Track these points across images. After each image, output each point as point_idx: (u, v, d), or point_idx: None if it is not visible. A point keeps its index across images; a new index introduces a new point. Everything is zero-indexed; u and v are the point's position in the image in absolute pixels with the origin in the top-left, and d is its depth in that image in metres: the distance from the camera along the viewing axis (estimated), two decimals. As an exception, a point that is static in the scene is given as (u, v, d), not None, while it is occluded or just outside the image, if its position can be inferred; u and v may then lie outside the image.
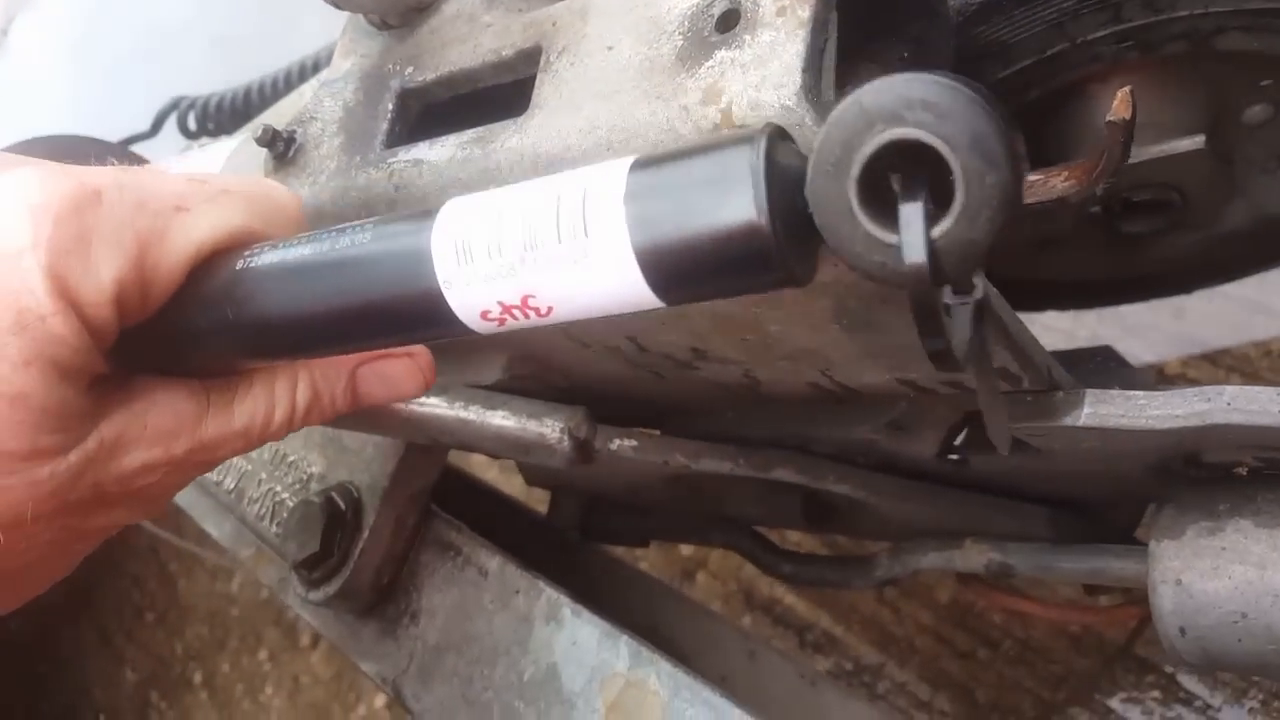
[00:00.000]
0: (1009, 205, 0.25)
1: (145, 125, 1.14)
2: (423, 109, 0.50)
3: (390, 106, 0.49)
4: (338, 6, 0.52)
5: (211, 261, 0.36)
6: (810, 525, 0.66)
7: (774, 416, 0.56)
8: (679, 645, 0.67)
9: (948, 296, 0.30)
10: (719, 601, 1.17)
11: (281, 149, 0.52)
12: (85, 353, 0.33)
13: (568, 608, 0.51)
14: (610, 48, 0.43)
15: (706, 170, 0.28)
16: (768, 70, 0.38)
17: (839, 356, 0.47)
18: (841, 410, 0.54)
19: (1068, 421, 0.48)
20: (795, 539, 0.92)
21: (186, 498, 0.71)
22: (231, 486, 0.65)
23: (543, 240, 0.30)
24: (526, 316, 0.32)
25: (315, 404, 0.41)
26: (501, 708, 0.51)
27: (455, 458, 0.66)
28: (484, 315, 0.32)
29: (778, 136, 0.29)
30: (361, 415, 0.49)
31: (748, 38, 0.39)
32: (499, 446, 0.53)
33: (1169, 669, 0.94)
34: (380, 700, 1.36)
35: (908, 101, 0.26)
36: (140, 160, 0.95)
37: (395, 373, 0.43)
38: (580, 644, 0.50)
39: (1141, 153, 0.58)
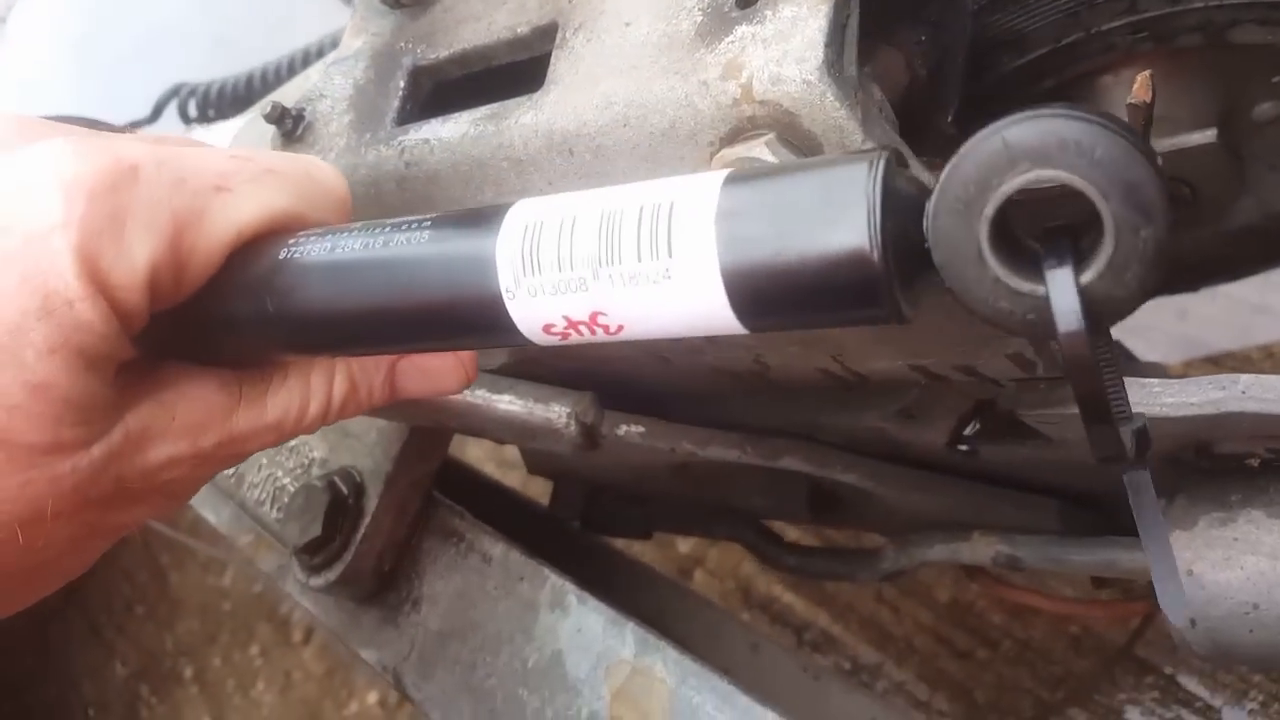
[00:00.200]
0: (1159, 262, 0.23)
1: (144, 112, 1.13)
2: (434, 87, 0.50)
3: (402, 84, 0.49)
4: (350, -18, 0.51)
5: (252, 246, 0.34)
6: (815, 516, 0.65)
7: (782, 404, 0.56)
8: (681, 637, 0.66)
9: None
10: (717, 599, 1.16)
11: (290, 126, 0.51)
12: (113, 340, 0.32)
13: (573, 595, 0.51)
14: (628, 24, 0.42)
15: (813, 190, 0.26)
16: (790, 45, 0.37)
17: (851, 341, 0.47)
18: (851, 397, 0.54)
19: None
20: (794, 535, 0.91)
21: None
22: (230, 471, 0.64)
23: (620, 256, 0.28)
24: (593, 333, 0.30)
25: (352, 397, 0.39)
26: (505, 695, 0.50)
27: (452, 452, 0.65)
28: (546, 328, 0.30)
29: (894, 160, 0.26)
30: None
31: (769, 13, 0.38)
32: (505, 431, 0.53)
33: (1169, 670, 0.94)
34: (373, 696, 1.35)
35: (1059, 141, 0.23)
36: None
37: (437, 367, 0.41)
38: (585, 631, 0.50)
39: (1154, 145, 0.58)
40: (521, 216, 0.30)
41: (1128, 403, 0.27)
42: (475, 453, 1.24)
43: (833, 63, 0.37)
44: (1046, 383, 0.50)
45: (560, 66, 0.43)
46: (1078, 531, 0.61)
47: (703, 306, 0.28)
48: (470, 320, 0.31)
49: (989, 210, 0.24)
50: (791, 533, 0.89)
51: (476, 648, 0.53)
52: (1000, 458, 0.57)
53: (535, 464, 0.71)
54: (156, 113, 1.12)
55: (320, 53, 0.95)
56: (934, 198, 0.25)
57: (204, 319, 0.35)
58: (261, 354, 0.37)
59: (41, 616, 1.55)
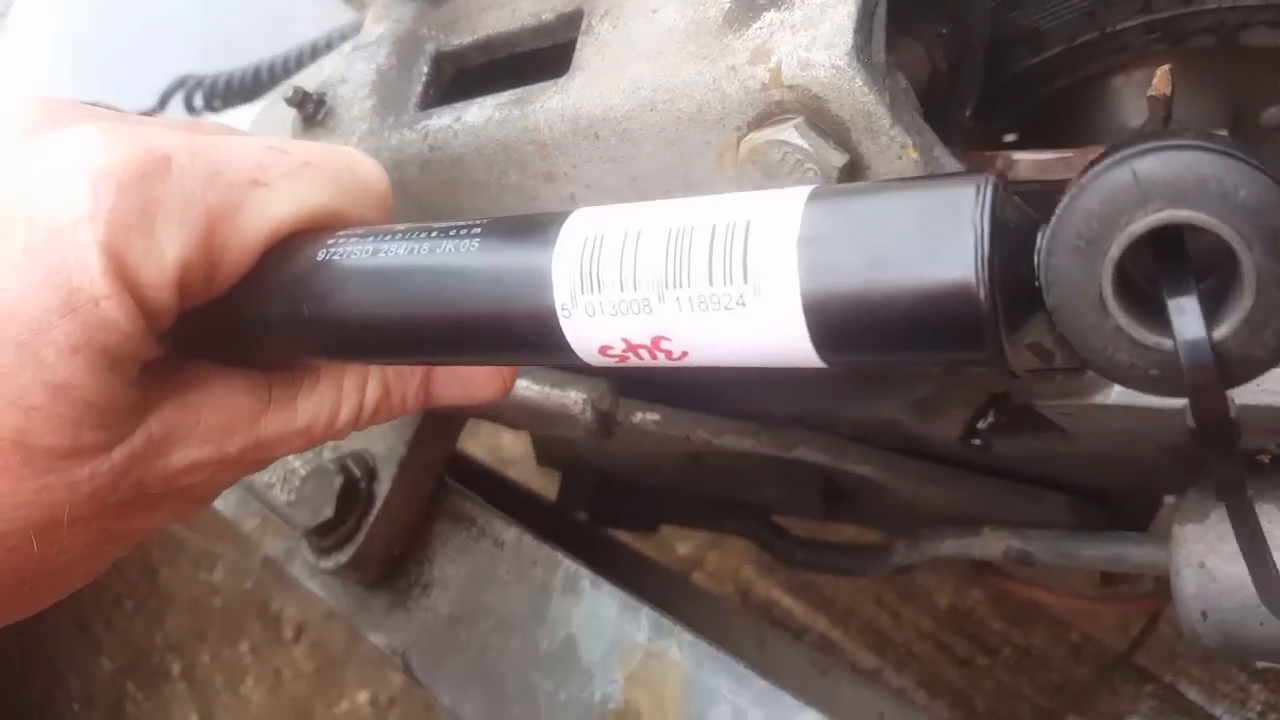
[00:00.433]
0: None
1: (149, 103, 1.13)
2: (456, 72, 0.50)
3: (425, 69, 0.49)
4: (374, -33, 0.51)
5: (288, 244, 0.32)
6: (828, 511, 0.65)
7: (798, 393, 0.56)
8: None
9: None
10: (715, 601, 1.16)
11: (311, 110, 0.51)
12: (139, 339, 0.30)
13: (586, 579, 0.51)
14: (655, 10, 0.43)
15: (911, 214, 0.24)
16: (818, 30, 0.38)
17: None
18: (869, 387, 0.54)
19: (1098, 400, 0.48)
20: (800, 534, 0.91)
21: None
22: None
23: (689, 278, 0.26)
24: (654, 358, 0.28)
25: (384, 403, 0.37)
26: (517, 679, 0.50)
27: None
28: (603, 350, 0.28)
29: (1001, 186, 0.24)
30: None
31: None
32: (521, 416, 0.53)
33: (1168, 678, 0.94)
34: (363, 695, 1.34)
35: (1197, 178, 0.21)
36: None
37: (474, 375, 0.39)
38: (599, 615, 0.50)
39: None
40: (580, 227, 0.28)
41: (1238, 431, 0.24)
42: (474, 451, 1.24)
43: (861, 48, 0.37)
44: (1063, 373, 0.50)
45: (586, 52, 0.44)
46: (1088, 526, 0.61)
47: (778, 337, 0.25)
48: (520, 337, 0.29)
49: (1115, 251, 0.22)
50: (797, 531, 0.89)
51: (488, 632, 0.53)
52: (1012, 451, 0.57)
53: (545, 454, 0.71)
54: (162, 104, 1.12)
55: (329, 46, 0.95)
56: (1049, 231, 0.23)
57: (234, 319, 0.33)
58: (293, 357, 0.35)
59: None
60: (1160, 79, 0.43)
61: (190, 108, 1.14)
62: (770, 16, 0.39)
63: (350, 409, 0.36)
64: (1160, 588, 0.67)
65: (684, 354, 0.28)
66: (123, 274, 0.29)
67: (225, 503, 0.67)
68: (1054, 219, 0.22)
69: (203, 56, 1.20)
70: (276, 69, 1.03)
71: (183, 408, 0.33)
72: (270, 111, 0.59)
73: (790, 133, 0.38)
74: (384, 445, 0.57)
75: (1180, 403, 0.44)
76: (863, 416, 0.56)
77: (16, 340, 0.28)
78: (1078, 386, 0.48)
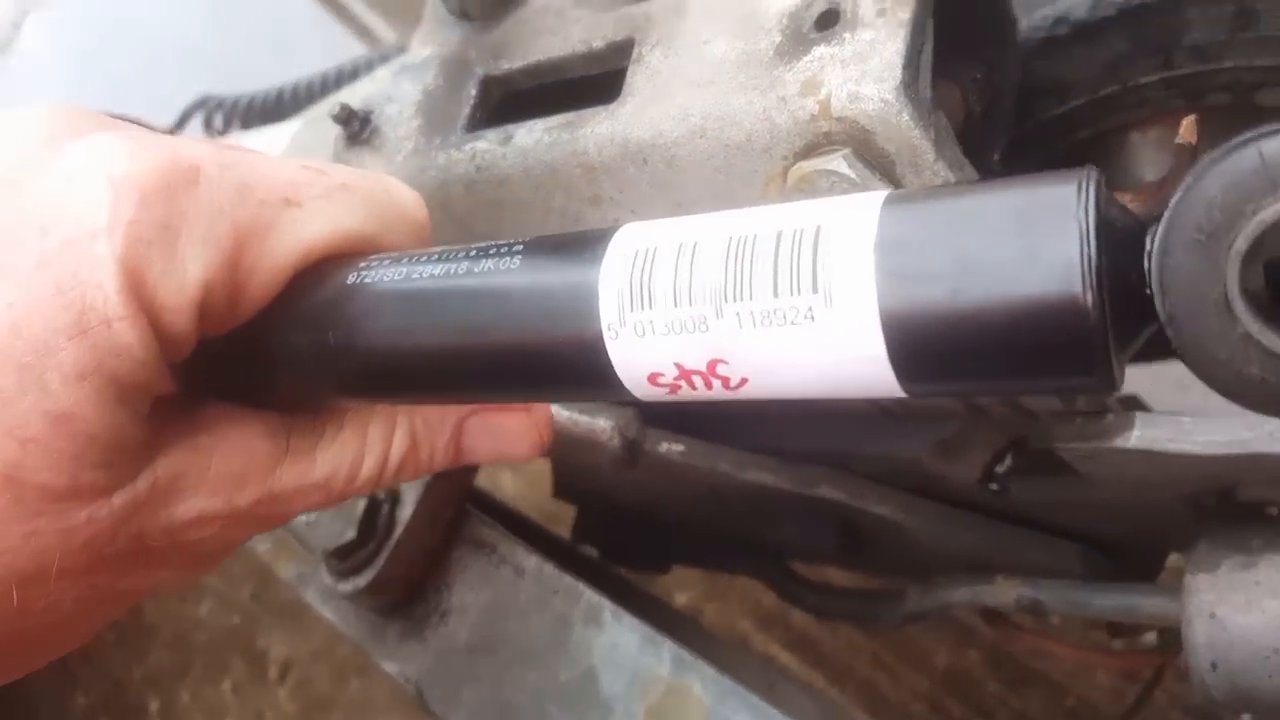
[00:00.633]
0: None
1: (167, 121, 1.14)
2: (503, 95, 0.51)
3: (473, 92, 0.50)
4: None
5: (317, 269, 0.30)
6: (841, 554, 0.65)
7: (821, 429, 0.56)
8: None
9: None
10: (711, 652, 1.14)
11: (357, 127, 0.52)
12: (152, 369, 0.27)
13: (608, 610, 0.50)
14: (706, 42, 0.44)
15: (1003, 212, 0.21)
16: (868, 65, 0.39)
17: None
18: (892, 425, 0.54)
19: (1118, 443, 0.49)
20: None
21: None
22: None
23: (751, 289, 0.23)
24: (709, 387, 0.25)
25: (411, 457, 0.34)
26: (534, 711, 0.49)
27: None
28: (652, 378, 0.25)
29: (1103, 182, 0.21)
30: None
31: (847, 35, 0.40)
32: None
33: (1166, 743, 0.93)
34: (346, 742, 1.30)
35: None
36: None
37: (509, 429, 0.35)
38: (621, 648, 0.49)
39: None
40: (631, 240, 0.26)
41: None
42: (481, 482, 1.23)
43: (909, 84, 0.39)
44: (1083, 416, 0.51)
45: (637, 79, 0.45)
46: (1099, 577, 0.61)
47: (854, 359, 0.22)
48: (562, 363, 0.26)
49: (1240, 244, 0.19)
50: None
51: (506, 662, 0.52)
52: (1028, 496, 0.58)
53: (563, 485, 0.70)
54: (182, 123, 1.13)
55: (354, 73, 0.97)
56: (1163, 226, 0.20)
57: (256, 351, 0.30)
58: (318, 396, 0.32)
59: None
60: (1186, 128, 0.45)
61: (209, 128, 1.16)
62: (820, 51, 0.40)
63: (374, 462, 0.33)
64: (1165, 642, 0.67)
65: (743, 381, 0.24)
66: (140, 294, 0.26)
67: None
68: (1168, 211, 0.20)
69: (204, 82, 1.21)
70: (300, 92, 1.05)
71: (193, 451, 0.30)
72: (309, 129, 0.60)
73: (839, 163, 0.39)
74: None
75: (1200, 449, 0.44)
76: (882, 454, 0.57)
77: (20, 362, 0.25)
78: (1098, 430, 0.49)
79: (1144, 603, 0.58)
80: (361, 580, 0.54)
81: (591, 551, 0.71)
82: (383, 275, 0.29)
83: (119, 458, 0.27)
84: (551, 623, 0.51)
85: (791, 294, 0.23)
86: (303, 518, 0.56)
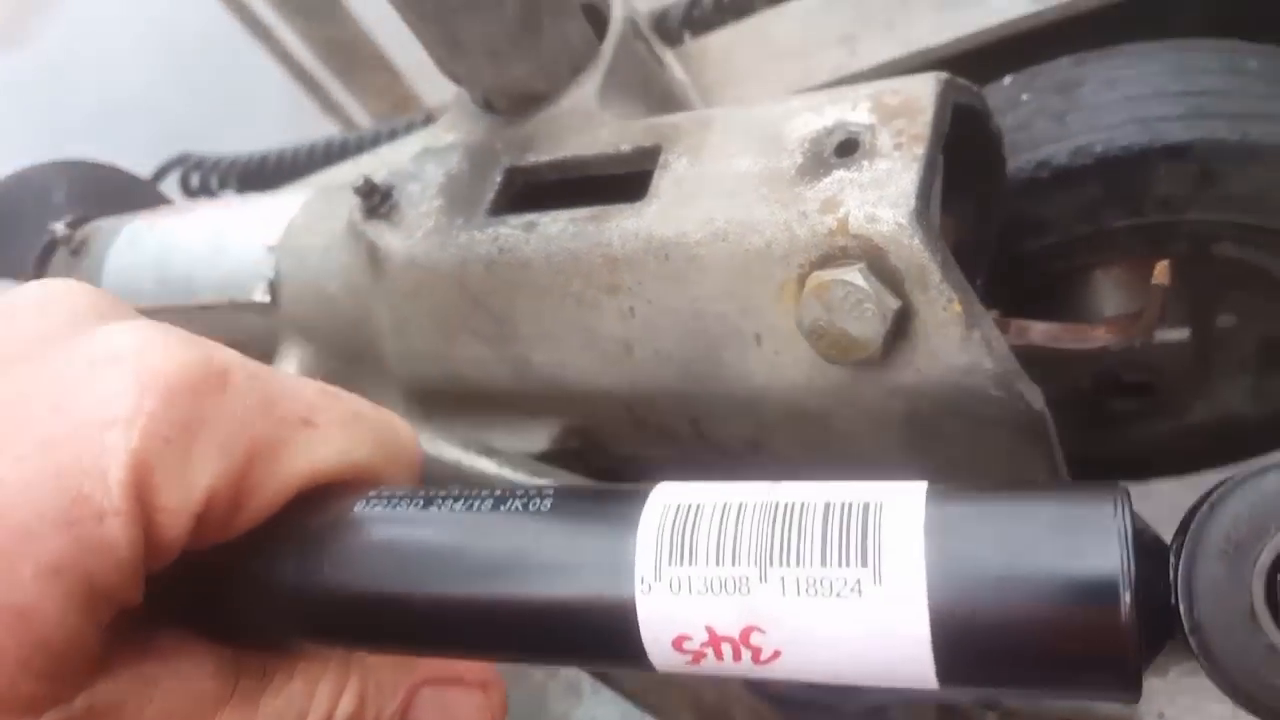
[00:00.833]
0: None
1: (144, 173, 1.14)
2: (525, 184, 0.54)
3: (498, 179, 0.53)
4: (455, 80, 0.55)
5: (320, 495, 0.29)
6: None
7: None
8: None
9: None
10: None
11: (377, 202, 0.54)
12: (128, 573, 0.25)
13: (587, 683, 0.50)
14: (731, 156, 0.47)
15: (1046, 514, 0.22)
16: (884, 191, 0.42)
17: (891, 460, 0.50)
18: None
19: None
20: None
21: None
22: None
23: (801, 554, 0.23)
24: (737, 658, 0.24)
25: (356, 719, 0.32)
26: (506, 789, 0.48)
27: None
28: (678, 642, 0.24)
29: (1129, 498, 0.23)
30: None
31: (865, 163, 0.44)
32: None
33: None
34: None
35: None
36: (167, 201, 0.95)
37: (462, 709, 0.33)
38: (598, 724, 0.49)
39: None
40: (669, 495, 0.26)
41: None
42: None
43: (921, 212, 0.42)
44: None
45: (664, 183, 0.48)
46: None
47: (895, 637, 0.23)
48: (581, 619, 0.25)
49: (1266, 558, 0.21)
50: None
51: (479, 738, 0.51)
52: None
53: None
54: (159, 176, 1.13)
55: (344, 147, 0.99)
56: (1191, 537, 0.22)
57: (236, 570, 0.29)
58: (283, 632, 0.31)
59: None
60: (1160, 271, 0.49)
61: (186, 187, 1.16)
62: (840, 174, 0.44)
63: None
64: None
65: (774, 655, 0.24)
66: (142, 491, 0.25)
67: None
68: (1193, 525, 0.22)
69: (170, 140, 1.22)
70: (285, 160, 1.06)
71: (138, 681, 0.27)
72: (325, 198, 0.61)
73: (855, 275, 0.42)
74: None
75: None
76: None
77: None
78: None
79: (1099, 705, 0.61)
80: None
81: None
82: (395, 510, 0.28)
83: (64, 670, 0.25)
84: (528, 694, 0.51)
85: (841, 564, 0.23)
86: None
